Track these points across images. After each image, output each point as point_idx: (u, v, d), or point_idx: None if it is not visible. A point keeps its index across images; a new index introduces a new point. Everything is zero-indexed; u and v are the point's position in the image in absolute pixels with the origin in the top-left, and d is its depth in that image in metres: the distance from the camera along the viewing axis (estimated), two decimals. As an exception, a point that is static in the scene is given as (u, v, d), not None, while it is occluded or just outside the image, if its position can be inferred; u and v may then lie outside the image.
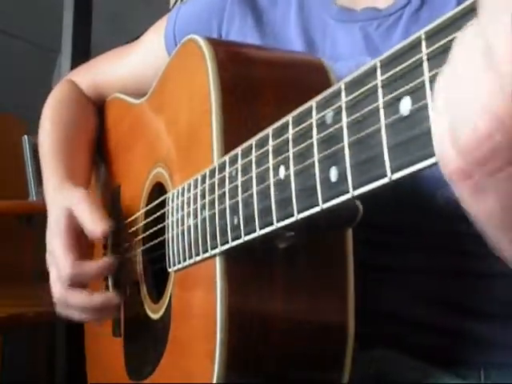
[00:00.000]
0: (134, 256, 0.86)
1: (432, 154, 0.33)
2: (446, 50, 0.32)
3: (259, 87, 0.64)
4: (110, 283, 0.92)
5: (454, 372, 0.73)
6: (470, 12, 0.31)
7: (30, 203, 1.59)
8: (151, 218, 0.80)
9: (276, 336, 0.61)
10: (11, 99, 1.98)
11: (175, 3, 1.79)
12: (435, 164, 0.33)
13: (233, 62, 0.65)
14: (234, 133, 0.61)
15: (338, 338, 0.62)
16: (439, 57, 0.32)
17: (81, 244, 0.80)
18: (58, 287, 0.80)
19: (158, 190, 0.79)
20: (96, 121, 1.06)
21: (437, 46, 0.32)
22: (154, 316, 0.78)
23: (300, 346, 0.62)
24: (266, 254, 0.60)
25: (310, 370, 0.63)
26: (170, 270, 0.71)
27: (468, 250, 0.74)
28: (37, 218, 1.53)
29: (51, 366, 1.59)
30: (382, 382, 0.76)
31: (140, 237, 0.84)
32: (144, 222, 0.83)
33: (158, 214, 0.76)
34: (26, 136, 1.63)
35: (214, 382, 0.59)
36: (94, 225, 0.78)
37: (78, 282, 0.79)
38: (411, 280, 0.76)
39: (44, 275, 0.85)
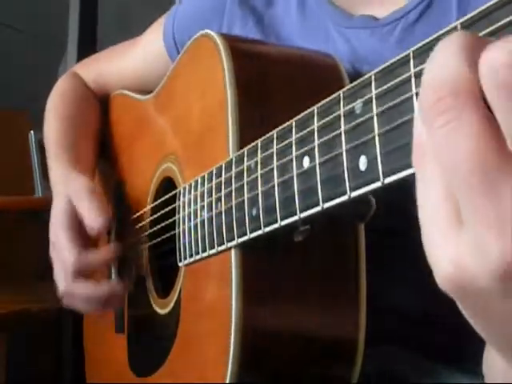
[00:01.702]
0: (140, 251, 0.86)
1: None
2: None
3: (274, 83, 0.65)
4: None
5: (461, 368, 0.74)
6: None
7: (35, 199, 1.58)
8: (160, 212, 0.80)
9: (288, 331, 0.61)
10: (17, 95, 1.98)
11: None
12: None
13: (248, 58, 0.66)
14: (250, 128, 0.62)
15: (349, 336, 0.63)
16: (475, 46, 0.33)
17: (84, 235, 0.81)
18: (63, 279, 0.80)
19: (167, 184, 0.80)
20: (100, 114, 1.06)
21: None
22: (162, 311, 0.78)
23: (312, 342, 0.63)
24: (281, 247, 0.60)
25: (321, 368, 0.64)
26: (180, 264, 0.72)
27: None
28: (42, 214, 1.52)
29: (57, 363, 1.58)
30: (386, 379, 0.76)
31: (147, 232, 0.84)
32: (152, 218, 0.83)
33: (168, 208, 0.77)
34: (32, 132, 1.62)
35: (228, 377, 0.60)
36: (91, 221, 0.79)
37: (83, 272, 0.79)
38: (416, 277, 0.76)
39: (49, 272, 0.86)
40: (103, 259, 0.82)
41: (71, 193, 0.83)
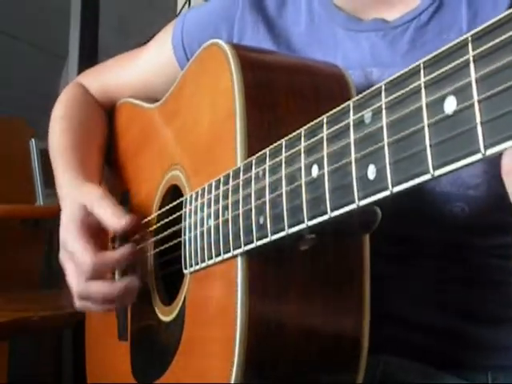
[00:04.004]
0: (145, 259, 0.86)
1: (477, 151, 0.34)
2: (492, 51, 0.34)
3: (282, 93, 0.66)
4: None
5: (462, 376, 0.74)
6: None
7: (36, 207, 1.58)
8: (165, 220, 0.80)
9: (293, 338, 0.62)
10: (18, 103, 1.98)
11: (183, 7, 1.81)
12: (478, 161, 0.35)
13: (257, 68, 0.66)
14: (258, 137, 0.62)
15: (353, 341, 0.63)
16: (486, 58, 0.34)
17: (96, 239, 0.81)
18: (76, 280, 0.80)
19: (173, 192, 0.80)
20: (106, 123, 1.06)
21: (484, 48, 0.34)
22: (166, 318, 0.79)
23: (317, 347, 0.63)
24: (287, 255, 0.61)
25: (326, 371, 0.64)
26: (185, 271, 0.72)
27: (472, 260, 0.76)
28: (43, 222, 1.52)
29: (58, 371, 1.58)
30: None
31: (152, 239, 0.85)
32: (157, 225, 0.83)
33: (173, 216, 0.77)
34: (33, 140, 1.62)
35: (232, 382, 0.60)
36: (117, 218, 0.78)
37: (99, 273, 0.79)
38: (417, 285, 0.77)
39: (50, 280, 0.85)
40: (120, 259, 0.82)
41: (85, 199, 0.83)
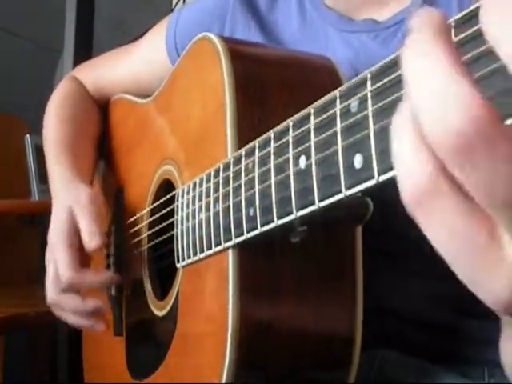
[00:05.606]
0: (138, 254, 0.86)
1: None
2: (475, 37, 0.34)
3: (272, 86, 0.65)
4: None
5: (458, 370, 0.74)
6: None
7: (32, 203, 1.58)
8: (158, 215, 0.80)
9: (286, 331, 0.61)
10: (13, 99, 1.98)
11: (177, 2, 1.80)
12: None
13: (247, 61, 0.66)
14: (248, 129, 0.62)
15: (346, 337, 0.63)
16: (471, 42, 0.34)
17: (82, 245, 0.81)
18: (52, 288, 0.81)
19: (166, 187, 0.80)
20: (99, 118, 1.06)
21: (466, 33, 0.34)
22: (159, 313, 0.79)
23: (309, 344, 0.63)
24: (279, 248, 0.60)
25: (318, 369, 0.64)
26: (178, 265, 0.72)
27: None
28: (39, 217, 1.52)
29: (53, 367, 1.58)
30: (384, 382, 0.76)
31: (145, 234, 0.84)
32: (150, 220, 0.83)
33: (166, 210, 0.77)
34: (28, 136, 1.63)
35: (224, 378, 0.60)
36: (90, 238, 0.79)
37: (74, 289, 0.80)
38: (414, 281, 0.77)
39: (45, 275, 0.86)
40: (99, 282, 0.83)
41: (73, 203, 0.83)
